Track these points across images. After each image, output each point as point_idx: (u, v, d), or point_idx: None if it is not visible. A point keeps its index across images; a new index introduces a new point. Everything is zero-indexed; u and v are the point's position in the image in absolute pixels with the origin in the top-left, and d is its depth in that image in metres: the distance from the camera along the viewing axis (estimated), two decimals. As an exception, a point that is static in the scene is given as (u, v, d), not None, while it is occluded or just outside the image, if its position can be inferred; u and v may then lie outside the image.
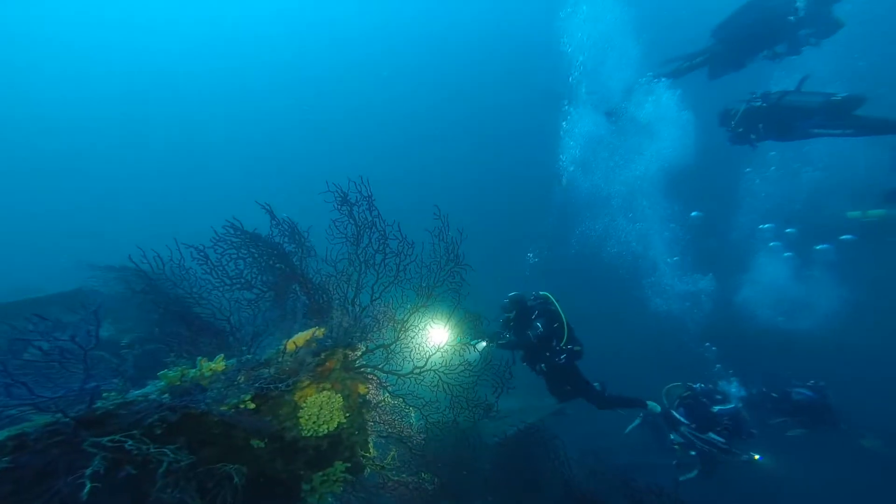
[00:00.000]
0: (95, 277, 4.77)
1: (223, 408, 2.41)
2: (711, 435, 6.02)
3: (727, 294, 12.42)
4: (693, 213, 13.23)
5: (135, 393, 2.21)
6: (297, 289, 3.42)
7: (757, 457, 6.06)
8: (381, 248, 3.41)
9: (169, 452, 1.89)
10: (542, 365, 5.30)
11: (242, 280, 3.20)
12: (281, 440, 3.11)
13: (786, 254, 12.32)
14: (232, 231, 3.34)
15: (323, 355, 3.30)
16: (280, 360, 2.88)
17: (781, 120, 6.03)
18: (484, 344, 3.37)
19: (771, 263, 12.30)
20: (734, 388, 7.00)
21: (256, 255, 3.36)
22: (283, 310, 3.31)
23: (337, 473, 3.50)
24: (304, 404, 3.20)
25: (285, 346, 2.98)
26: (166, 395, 2.27)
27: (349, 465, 3.53)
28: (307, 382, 3.35)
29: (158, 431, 2.21)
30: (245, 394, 2.53)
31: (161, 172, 31.95)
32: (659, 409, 6.05)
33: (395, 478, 3.91)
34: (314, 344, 3.03)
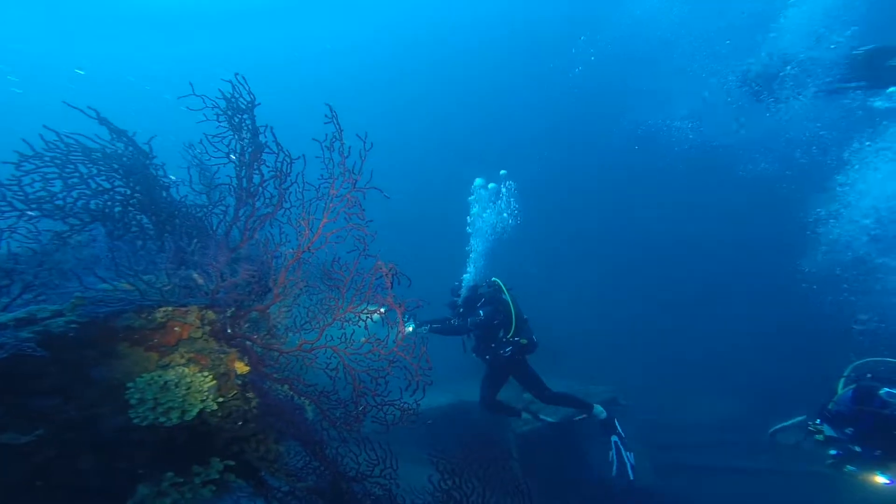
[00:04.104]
0: None
1: None
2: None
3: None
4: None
5: None
6: (144, 221, 2.42)
7: (882, 479, 3.90)
8: (255, 165, 2.29)
9: None
10: (488, 356, 4.90)
11: (51, 205, 2.23)
12: (91, 429, 2.19)
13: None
14: (56, 145, 2.35)
15: (160, 313, 2.31)
16: (49, 319, 1.90)
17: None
18: (412, 328, 2.41)
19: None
20: None
21: (86, 175, 2.37)
22: (119, 250, 2.33)
23: (212, 474, 2.57)
24: (133, 384, 2.25)
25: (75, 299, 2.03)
26: None
27: (232, 463, 2.62)
28: (145, 354, 2.39)
29: None
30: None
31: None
32: (605, 415, 5.07)
33: (303, 485, 2.94)
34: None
